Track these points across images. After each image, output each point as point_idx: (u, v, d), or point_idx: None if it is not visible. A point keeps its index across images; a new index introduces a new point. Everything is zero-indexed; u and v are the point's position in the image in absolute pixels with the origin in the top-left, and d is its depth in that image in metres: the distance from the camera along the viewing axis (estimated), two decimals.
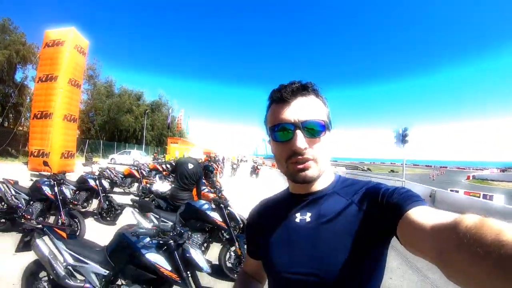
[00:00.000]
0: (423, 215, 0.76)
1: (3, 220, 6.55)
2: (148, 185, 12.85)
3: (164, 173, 17.63)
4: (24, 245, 3.60)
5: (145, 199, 8.49)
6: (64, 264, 3.24)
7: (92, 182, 8.15)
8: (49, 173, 7.17)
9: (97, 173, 9.33)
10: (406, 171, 18.57)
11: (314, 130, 0.97)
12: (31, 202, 6.65)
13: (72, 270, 3.24)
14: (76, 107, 21.49)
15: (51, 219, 6.79)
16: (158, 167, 17.89)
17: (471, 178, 51.06)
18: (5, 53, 21.36)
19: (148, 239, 3.15)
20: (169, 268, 3.09)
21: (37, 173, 15.32)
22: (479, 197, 15.21)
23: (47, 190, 6.52)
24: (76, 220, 6.49)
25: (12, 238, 6.00)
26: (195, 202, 5.73)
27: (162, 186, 8.43)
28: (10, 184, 6.75)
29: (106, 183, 8.66)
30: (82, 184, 8.23)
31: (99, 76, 39.57)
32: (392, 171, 62.20)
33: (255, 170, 29.58)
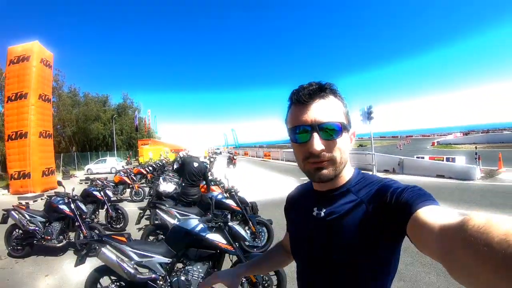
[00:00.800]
0: (432, 214, 0.78)
1: (20, 247, 6.66)
2: (139, 189, 13.56)
3: (149, 175, 17.89)
4: (81, 259, 4.01)
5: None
6: (132, 263, 3.85)
7: (97, 194, 8.41)
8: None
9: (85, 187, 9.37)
10: (374, 144, 19.60)
11: (331, 132, 1.00)
12: (48, 223, 6.78)
13: (138, 267, 3.88)
14: (50, 122, 21.08)
15: (71, 235, 7.05)
16: (142, 170, 18.12)
17: (435, 144, 52.81)
18: None
19: (201, 225, 4.01)
20: (225, 242, 3.91)
21: (23, 195, 15.49)
22: (442, 160, 16.55)
23: (64, 208, 6.67)
24: (96, 231, 6.79)
25: (36, 262, 6.39)
26: (210, 193, 6.82)
27: (168, 186, 9.08)
28: (22, 209, 6.81)
29: (110, 193, 8.98)
30: (87, 197, 8.40)
31: (62, 86, 38.52)
32: (361, 145, 63.35)
33: (231, 161, 30.14)
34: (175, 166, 17.09)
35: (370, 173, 16.80)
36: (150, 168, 19.62)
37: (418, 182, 13.53)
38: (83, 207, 7.01)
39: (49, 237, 6.57)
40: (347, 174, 1.13)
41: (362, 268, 1.00)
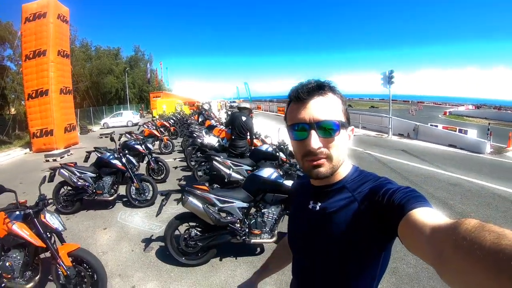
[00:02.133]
0: (424, 217, 0.78)
1: (69, 204, 7.02)
2: (168, 142, 14.31)
3: (172, 128, 18.59)
4: (159, 208, 4.56)
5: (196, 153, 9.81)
6: (216, 208, 4.45)
7: (139, 147, 8.91)
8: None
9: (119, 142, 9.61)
10: (384, 107, 19.75)
11: (328, 130, 1.02)
12: (99, 178, 7.18)
13: (220, 212, 4.48)
14: (69, 78, 21.19)
15: (121, 188, 7.50)
16: (165, 123, 18.47)
17: (447, 113, 52.72)
18: None
19: (275, 173, 4.73)
20: None
21: (49, 152, 15.84)
22: (455, 131, 16.92)
23: (116, 162, 7.08)
24: (148, 184, 7.32)
25: (88, 217, 6.91)
26: (261, 147, 7.57)
27: (211, 139, 9.57)
28: (71, 166, 7.08)
29: (151, 146, 9.48)
30: (128, 150, 8.29)
31: (75, 41, 38.05)
32: (372, 107, 62.92)
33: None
34: (200, 119, 17.45)
35: (385, 135, 17.11)
36: (171, 121, 20.09)
37: (432, 148, 13.99)
38: (133, 160, 7.48)
39: (100, 191, 7.05)
40: (344, 170, 1.15)
41: (352, 262, 1.03)
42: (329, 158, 1.04)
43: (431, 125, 18.38)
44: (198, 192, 4.42)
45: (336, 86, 1.10)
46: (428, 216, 0.78)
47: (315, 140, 1.00)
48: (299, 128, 1.05)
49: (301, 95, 1.04)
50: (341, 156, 1.08)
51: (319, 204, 1.15)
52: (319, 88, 1.05)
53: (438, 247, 0.65)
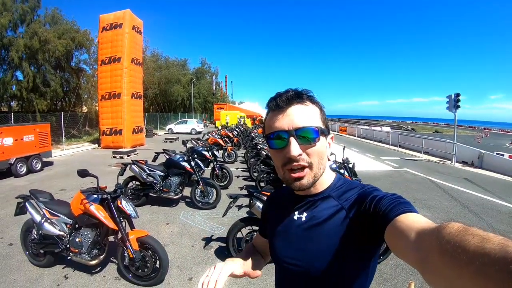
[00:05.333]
0: (409, 222, 0.79)
1: (136, 198, 7.56)
2: (232, 151, 14.69)
3: (235, 139, 18.77)
4: (226, 210, 4.93)
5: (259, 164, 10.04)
6: None
7: (206, 153, 9.24)
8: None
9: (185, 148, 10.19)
10: (449, 132, 18.75)
11: (308, 137, 1.00)
12: (167, 177, 7.65)
13: None
14: (140, 84, 22.88)
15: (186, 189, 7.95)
16: (229, 134, 18.61)
17: None
18: (63, 42, 22.10)
19: None
20: None
21: (117, 150, 17.20)
22: None
23: (186, 165, 7.58)
24: (212, 188, 7.66)
25: (152, 211, 7.37)
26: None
27: None
28: (142, 163, 7.66)
29: (217, 153, 9.84)
30: (195, 155, 8.53)
31: (146, 51, 40.26)
32: (437, 131, 60.18)
33: None
34: None
35: (448, 162, 16.45)
36: (235, 132, 20.53)
37: (496, 179, 13.12)
38: (201, 164, 7.95)
39: (167, 190, 7.54)
40: (327, 179, 1.14)
41: (341, 274, 1.02)
42: (310, 165, 1.02)
43: (497, 153, 17.20)
44: (265, 198, 4.56)
45: (314, 95, 1.10)
46: (413, 221, 0.79)
47: (295, 147, 0.99)
48: (278, 136, 1.03)
49: (279, 103, 1.03)
50: (322, 164, 1.06)
51: (305, 214, 1.13)
52: (298, 96, 1.04)
53: (423, 252, 0.66)
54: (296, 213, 1.16)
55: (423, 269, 0.66)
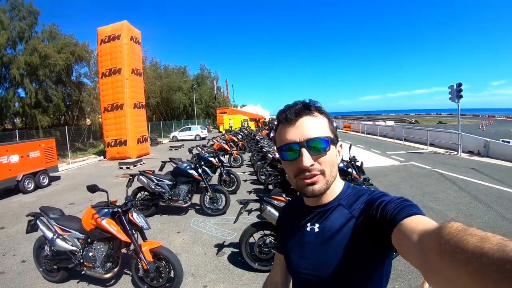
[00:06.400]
0: (413, 224, 0.80)
1: (145, 208, 7.56)
2: (238, 156, 14.71)
3: (240, 143, 18.91)
4: (237, 216, 4.91)
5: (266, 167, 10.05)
6: None
7: (213, 160, 9.15)
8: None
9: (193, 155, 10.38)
10: (453, 122, 18.53)
11: (318, 147, 1.03)
12: (175, 186, 7.70)
13: None
14: (142, 94, 22.99)
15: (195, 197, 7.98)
16: (234, 138, 18.81)
17: None
18: (63, 57, 22.30)
19: None
20: None
21: (123, 161, 17.25)
22: None
23: (193, 172, 7.63)
24: (221, 194, 7.71)
25: (162, 221, 7.37)
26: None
27: None
28: (149, 174, 7.72)
29: (224, 159, 9.83)
30: (201, 162, 8.55)
31: (146, 60, 40.37)
32: (440, 122, 60.05)
33: None
34: (271, 134, 17.83)
35: (454, 153, 16.35)
36: (239, 136, 20.68)
37: (504, 166, 13.00)
38: (209, 171, 7.96)
39: (176, 198, 7.58)
40: (337, 188, 1.16)
41: (357, 282, 1.03)
42: (322, 173, 1.05)
43: (502, 141, 16.88)
44: (276, 202, 4.64)
45: (322, 106, 1.12)
46: (417, 223, 0.80)
47: (307, 158, 1.01)
48: (290, 148, 1.06)
49: (289, 116, 1.06)
50: (333, 172, 1.09)
51: (317, 225, 1.15)
52: (306, 108, 1.07)
53: (424, 253, 0.67)
54: (308, 224, 1.17)
55: (425, 270, 0.67)
